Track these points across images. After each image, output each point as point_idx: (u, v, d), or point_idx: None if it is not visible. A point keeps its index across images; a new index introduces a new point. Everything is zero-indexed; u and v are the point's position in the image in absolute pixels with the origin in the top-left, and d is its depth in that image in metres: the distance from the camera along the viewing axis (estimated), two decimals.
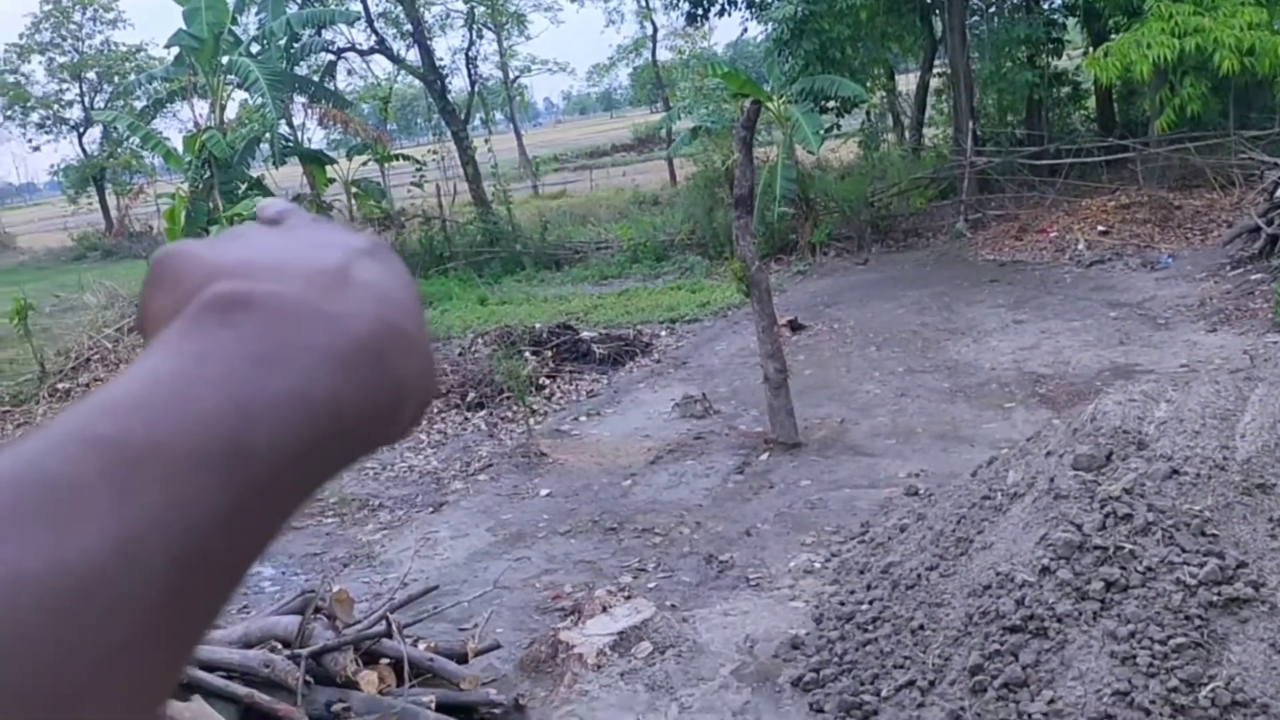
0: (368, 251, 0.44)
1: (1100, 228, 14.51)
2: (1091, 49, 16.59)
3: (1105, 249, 13.69)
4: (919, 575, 4.98)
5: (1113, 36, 15.00)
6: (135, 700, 0.31)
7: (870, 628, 4.89)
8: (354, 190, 20.79)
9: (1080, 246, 13.93)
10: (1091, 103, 20.50)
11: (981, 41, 19.24)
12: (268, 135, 18.69)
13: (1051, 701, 3.99)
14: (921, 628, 4.66)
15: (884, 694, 4.44)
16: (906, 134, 22.82)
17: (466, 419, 10.02)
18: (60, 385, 13.53)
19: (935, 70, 22.00)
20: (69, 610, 0.30)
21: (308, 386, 0.37)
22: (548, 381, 10.86)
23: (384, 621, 4.58)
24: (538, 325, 12.52)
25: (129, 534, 0.31)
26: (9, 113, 40.54)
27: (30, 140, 41.40)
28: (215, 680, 4.03)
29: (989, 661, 4.24)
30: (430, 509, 7.99)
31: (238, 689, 4.04)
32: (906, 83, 25.44)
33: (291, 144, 20.17)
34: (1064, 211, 15.58)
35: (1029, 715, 3.99)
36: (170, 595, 0.32)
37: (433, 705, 4.27)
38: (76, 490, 0.32)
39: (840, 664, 4.76)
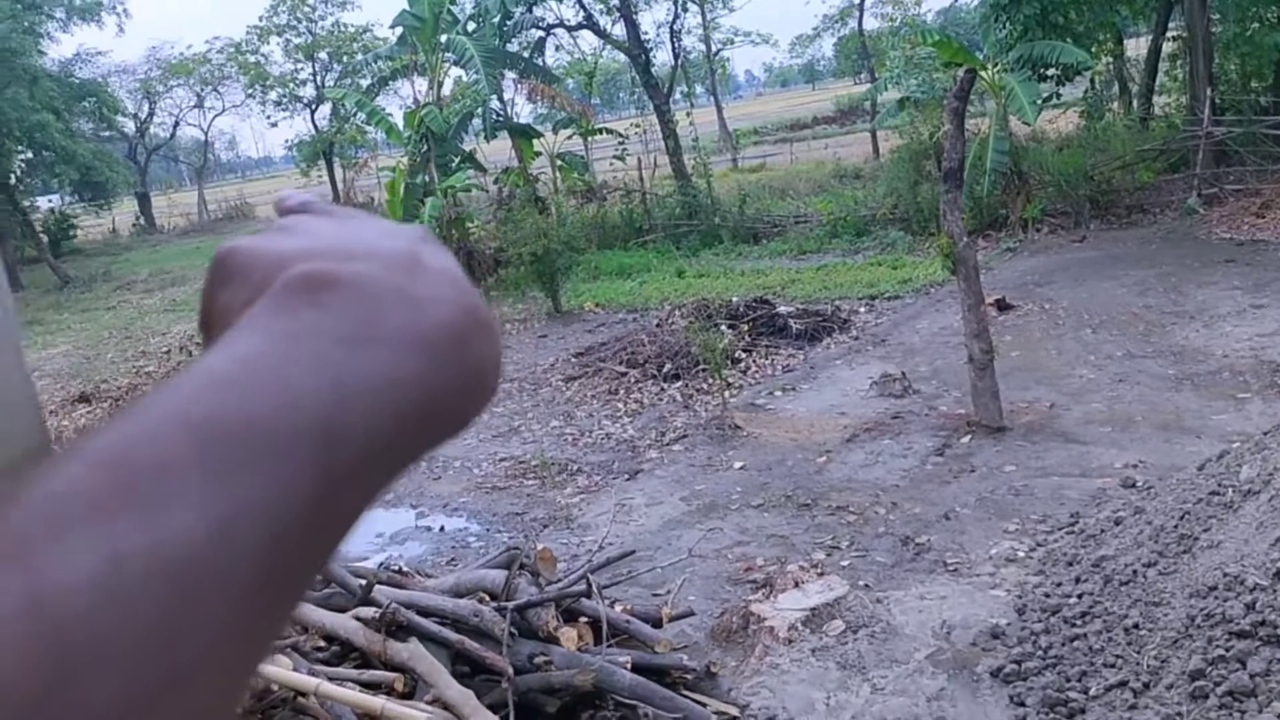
0: (426, 238, 0.43)
1: None
2: None
3: None
4: (1135, 571, 4.71)
5: None
6: (228, 679, 0.31)
7: (1079, 623, 4.67)
8: (559, 163, 21.37)
9: None
10: None
11: (1223, 1, 17.67)
12: (480, 110, 19.46)
13: None
14: (1136, 626, 4.41)
15: (1092, 693, 4.24)
16: (1134, 103, 21.31)
17: (662, 389, 10.17)
18: None
19: (1169, 33, 20.40)
20: (169, 591, 0.30)
21: (396, 370, 0.36)
22: (743, 355, 10.87)
23: (584, 581, 4.75)
24: (734, 299, 12.53)
25: (225, 515, 0.31)
26: (250, 91, 43.94)
27: (269, 117, 44.75)
28: (430, 625, 4.30)
29: (1212, 667, 3.97)
30: (626, 476, 8.18)
31: (450, 635, 4.28)
32: (1136, 47, 23.73)
33: (501, 119, 20.92)
34: None
35: None
36: (263, 577, 0.32)
37: (628, 666, 4.39)
38: (173, 472, 0.31)
39: (1044, 658, 4.57)
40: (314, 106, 41.79)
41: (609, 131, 22.70)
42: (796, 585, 5.55)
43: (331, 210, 0.46)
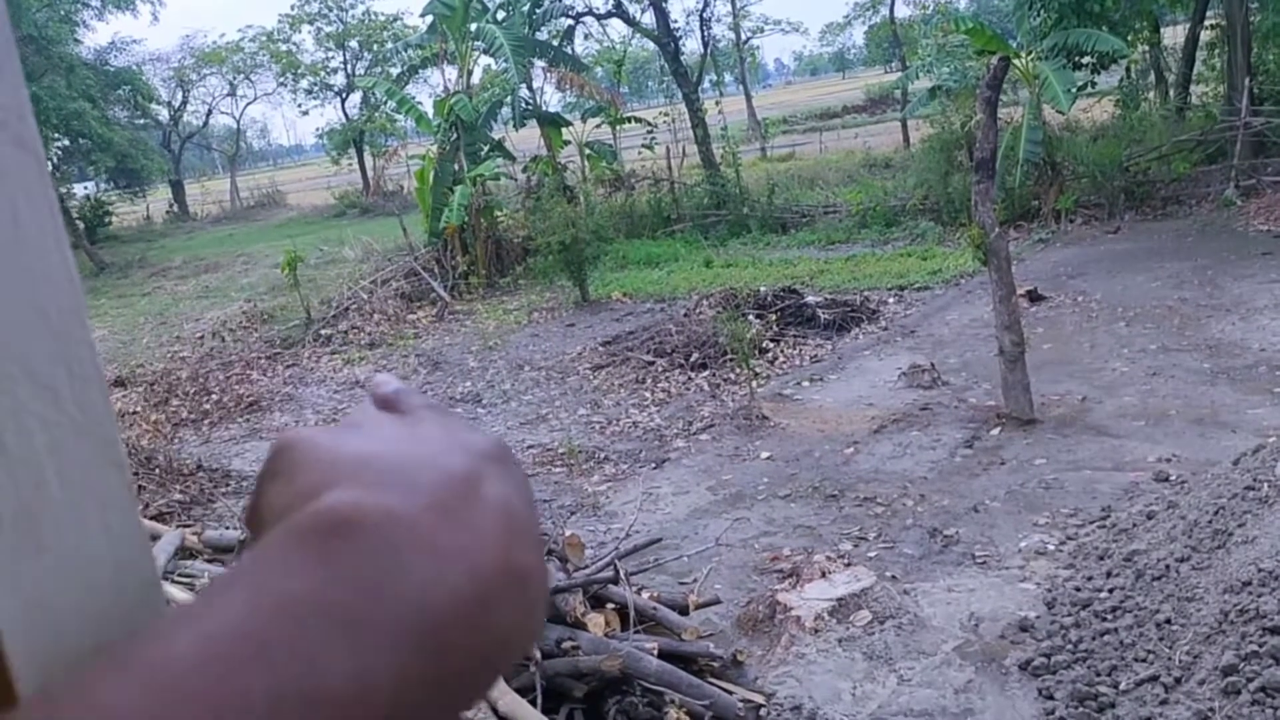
0: (496, 457, 0.38)
1: None
2: None
3: None
4: (1168, 566, 4.67)
5: None
6: None
7: (1109, 617, 4.63)
8: (587, 152, 21.37)
9: None
10: None
11: None
12: (509, 99, 19.48)
13: None
14: (1168, 621, 4.37)
15: (1122, 687, 4.21)
16: (1170, 92, 20.99)
17: (690, 379, 10.17)
18: (323, 331, 14.76)
19: (1207, 22, 20.06)
20: None
21: (370, 669, 0.30)
22: (771, 345, 10.85)
23: (611, 568, 4.76)
24: (762, 288, 12.50)
25: None
26: (282, 79, 44.23)
27: (300, 105, 45.22)
28: None
29: (1245, 663, 3.93)
30: (653, 465, 8.20)
31: None
32: (1173, 36, 23.36)
33: (530, 107, 20.93)
34: None
35: None
36: None
37: (655, 652, 4.41)
38: None
39: (1074, 652, 4.54)
40: (344, 95, 42.02)
41: (637, 120, 22.65)
42: (823, 575, 5.54)
43: (413, 406, 0.41)
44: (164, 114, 44.70)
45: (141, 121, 41.72)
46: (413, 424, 0.40)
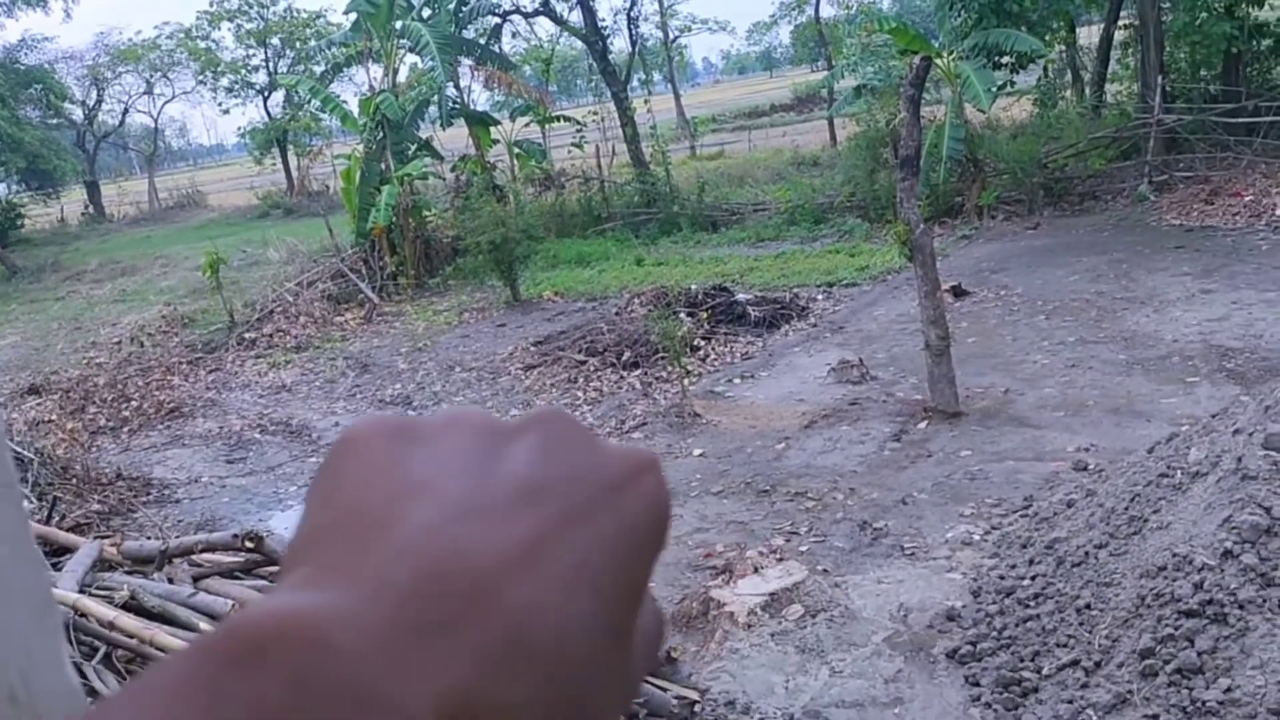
0: (604, 506, 0.29)
1: None
2: None
3: None
4: (1087, 553, 4.79)
5: None
6: None
7: (1032, 604, 4.74)
8: (516, 151, 21.25)
9: (1279, 211, 12.92)
10: None
11: None
12: (436, 97, 19.28)
13: (1228, 690, 3.79)
14: (1088, 607, 4.49)
15: (1045, 672, 4.32)
16: (1086, 91, 21.58)
17: (622, 378, 10.17)
18: (247, 335, 14.46)
19: (1121, 22, 20.67)
20: None
21: None
22: (702, 343, 10.90)
23: None
24: (693, 287, 12.55)
25: None
26: (201, 77, 43.20)
27: (220, 103, 44.06)
28: None
29: (1161, 646, 4.05)
30: None
31: None
32: (1089, 35, 24.02)
33: (458, 106, 20.74)
34: (1261, 174, 14.47)
35: (1203, 703, 3.80)
36: None
37: None
38: None
39: (999, 639, 4.64)
40: (267, 93, 41.17)
41: (567, 119, 22.59)
42: (756, 571, 5.59)
43: (520, 437, 0.32)
44: (78, 113, 43.41)
45: (54, 121, 40.48)
46: (504, 458, 0.30)
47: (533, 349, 11.74)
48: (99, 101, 44.42)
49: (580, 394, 9.99)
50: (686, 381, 9.36)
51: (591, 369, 10.49)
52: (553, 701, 0.26)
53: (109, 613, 4.03)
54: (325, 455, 0.32)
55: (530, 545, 0.27)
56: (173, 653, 0.28)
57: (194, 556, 4.98)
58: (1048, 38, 19.42)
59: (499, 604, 0.26)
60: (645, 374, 10.13)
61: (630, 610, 0.29)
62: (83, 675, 3.85)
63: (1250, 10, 17.20)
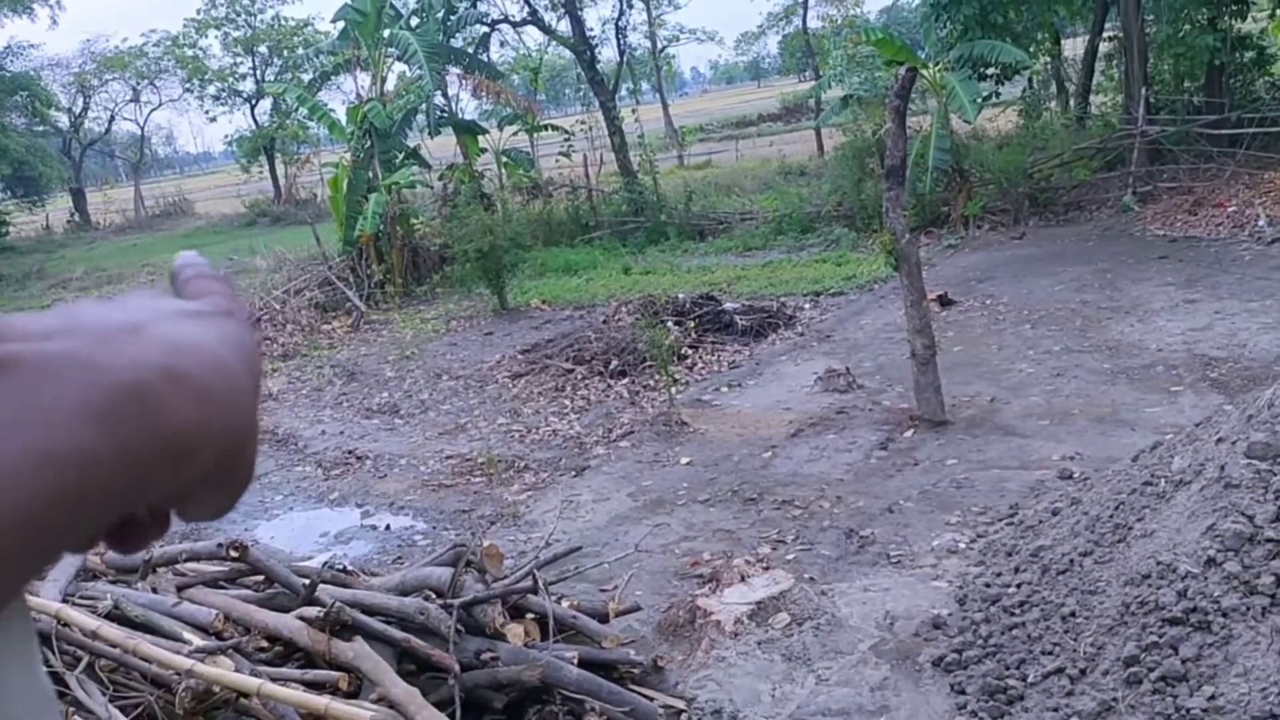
0: (193, 314, 0.44)
1: None
2: (1279, 11, 15.42)
3: None
4: (1072, 561, 4.82)
5: None
6: None
7: (1017, 611, 4.76)
8: (504, 160, 21.26)
9: (1261, 222, 13.02)
10: (1278, 69, 19.06)
11: (1157, 3, 18.08)
12: (424, 106, 19.28)
13: (1212, 698, 3.81)
14: (1073, 615, 4.51)
15: (1030, 680, 4.33)
16: (1071, 102, 21.75)
17: (609, 386, 10.17)
18: None
19: (1105, 34, 20.84)
20: None
21: (48, 443, 0.36)
22: (690, 351, 10.92)
23: (530, 578, 4.73)
24: (681, 295, 12.58)
25: None
26: (188, 85, 43.10)
27: (207, 111, 44.17)
28: (375, 624, 4.26)
29: (1146, 653, 4.07)
30: (573, 472, 8.18)
31: (395, 633, 4.25)
32: (1073, 47, 24.21)
33: (446, 114, 20.74)
34: (1244, 184, 14.59)
35: (1187, 710, 3.82)
36: None
37: (575, 661, 4.39)
38: None
39: (984, 646, 4.65)
40: (254, 101, 41.12)
41: (554, 128, 22.62)
42: (742, 579, 5.59)
43: (138, 295, 0.47)
44: (64, 120, 43.25)
45: (40, 128, 40.34)
46: (127, 298, 0.46)
47: (520, 357, 11.73)
48: (85, 109, 44.27)
49: (568, 402, 9.99)
50: (674, 390, 9.37)
51: (579, 377, 10.48)
52: (213, 381, 0.41)
53: (92, 622, 4.00)
54: None
55: (149, 317, 0.42)
56: None
57: (178, 566, 4.96)
58: (1033, 49, 19.58)
59: (145, 333, 0.41)
60: (633, 382, 10.13)
61: (247, 367, 0.45)
62: (65, 685, 3.82)
63: (1233, 23, 17.37)
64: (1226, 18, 17.15)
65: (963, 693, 4.44)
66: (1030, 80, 21.71)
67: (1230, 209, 13.85)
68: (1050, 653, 4.42)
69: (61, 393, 0.37)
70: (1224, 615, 4.00)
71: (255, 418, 0.45)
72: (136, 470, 0.38)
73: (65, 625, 3.98)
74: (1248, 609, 3.98)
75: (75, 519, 0.37)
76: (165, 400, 0.39)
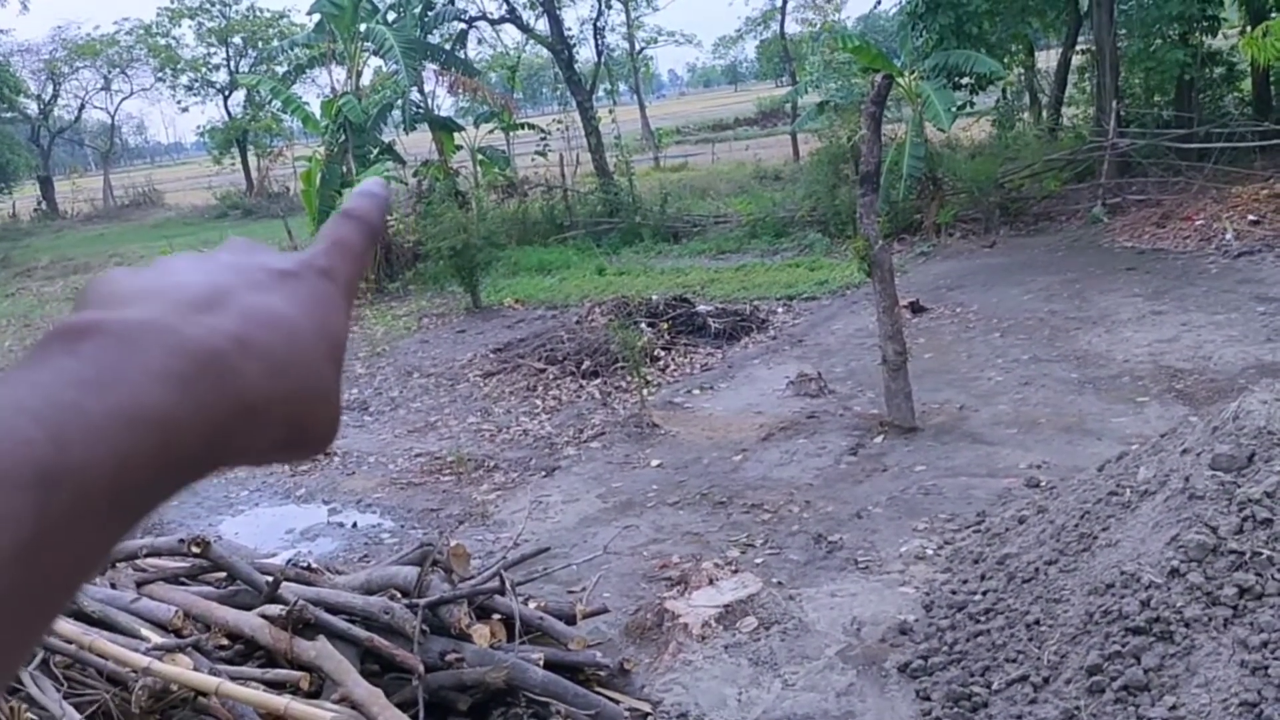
0: (281, 275, 0.45)
1: (1251, 217, 13.71)
2: (1249, 28, 15.62)
3: (1256, 239, 12.93)
4: (1037, 569, 4.85)
5: (1273, 15, 14.09)
6: None
7: (983, 619, 4.78)
8: (479, 158, 21.17)
9: (1228, 236, 13.20)
10: (1247, 85, 19.34)
11: (1130, 18, 18.32)
12: (400, 102, 19.16)
13: (1174, 708, 3.84)
14: (1037, 623, 4.54)
15: (994, 687, 4.35)
16: (1043, 113, 21.96)
17: (581, 387, 10.14)
18: None
19: (1078, 47, 21.08)
20: None
21: (133, 405, 0.37)
22: (662, 353, 10.91)
23: (497, 578, 4.70)
24: (654, 297, 12.57)
25: None
26: (160, 75, 42.60)
27: (179, 102, 43.57)
28: (338, 623, 4.21)
29: (1108, 662, 4.10)
30: (543, 473, 8.14)
31: (359, 633, 4.20)
32: (1046, 60, 24.45)
33: (422, 111, 20.63)
34: (1212, 199, 14.77)
35: None
36: None
37: (541, 662, 4.36)
38: None
39: (950, 653, 4.67)
40: (227, 92, 40.73)
41: (531, 127, 22.57)
42: (711, 582, 5.58)
43: (234, 247, 0.49)
44: (33, 107, 42.61)
45: (8, 115, 39.72)
46: (213, 257, 0.47)
47: (492, 356, 11.68)
48: (55, 96, 43.64)
49: (539, 402, 9.95)
50: (646, 392, 9.36)
51: (551, 377, 10.45)
52: (290, 352, 0.43)
53: None
54: (80, 293, 0.44)
55: (242, 280, 0.44)
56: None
57: (138, 561, 4.88)
58: (1007, 60, 19.77)
59: (224, 302, 0.42)
60: (604, 383, 10.11)
61: (327, 334, 0.45)
62: (18, 681, 3.74)
63: (1203, 39, 17.61)
64: (1197, 34, 17.39)
65: (928, 699, 4.45)
66: (1004, 91, 21.94)
67: (1198, 222, 14.03)
68: (1014, 660, 4.44)
69: (143, 359, 0.39)
70: (1186, 625, 4.04)
71: (329, 383, 0.45)
72: (214, 433, 0.40)
73: None
74: (1210, 619, 4.02)
75: (158, 478, 0.38)
76: (239, 368, 0.40)
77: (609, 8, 30.95)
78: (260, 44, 38.58)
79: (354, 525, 7.61)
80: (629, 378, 9.67)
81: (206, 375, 0.39)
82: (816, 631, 5.20)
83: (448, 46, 21.40)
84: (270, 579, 4.41)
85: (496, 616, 4.66)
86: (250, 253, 0.47)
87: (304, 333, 0.44)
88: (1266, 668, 3.78)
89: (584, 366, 10.45)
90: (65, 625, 3.90)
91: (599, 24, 29.88)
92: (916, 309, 11.48)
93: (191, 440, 0.39)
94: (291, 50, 20.99)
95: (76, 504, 0.36)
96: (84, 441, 0.36)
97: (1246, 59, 15.72)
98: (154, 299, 0.42)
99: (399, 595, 4.50)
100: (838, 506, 6.79)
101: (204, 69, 41.42)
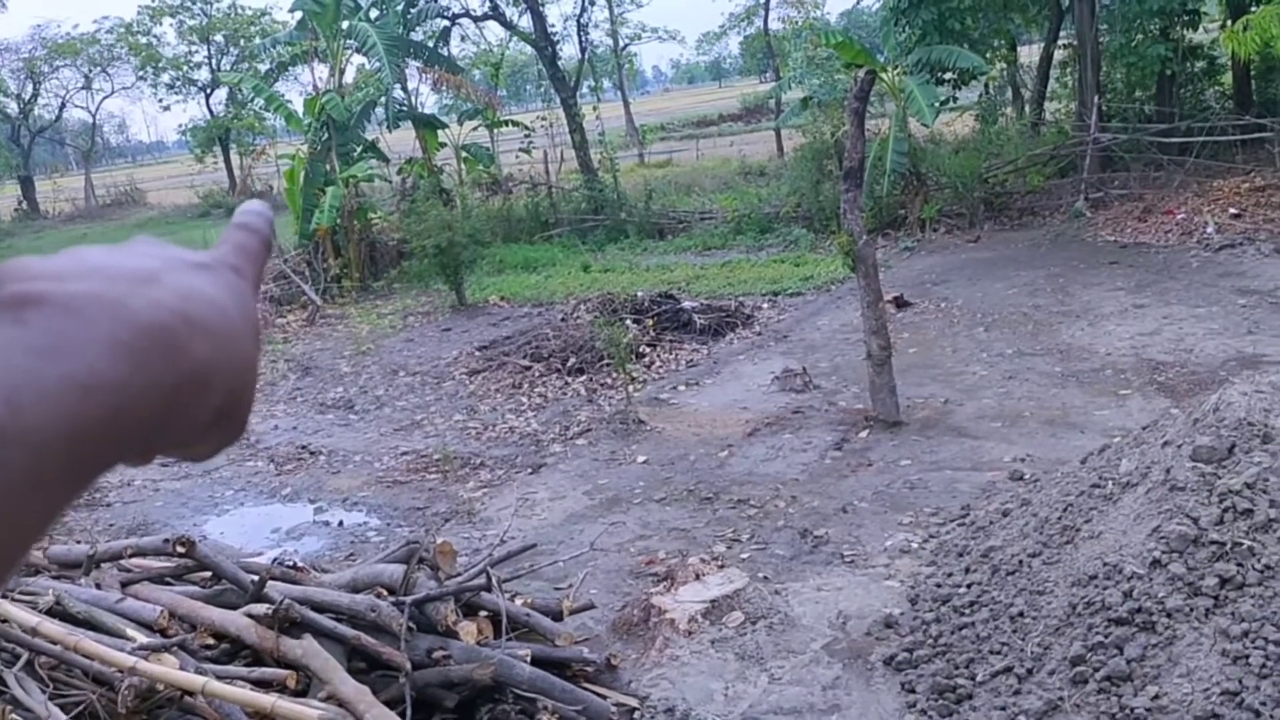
0: (199, 265, 0.48)
1: (1232, 210, 13.82)
2: (1230, 22, 15.72)
3: (1236, 233, 13.04)
4: (1021, 561, 4.88)
5: (1253, 9, 14.18)
6: None
7: (967, 611, 4.81)
8: (464, 155, 21.12)
9: (1209, 229, 13.30)
10: (1228, 79, 19.46)
11: (1111, 13, 18.39)
12: (383, 99, 19.09)
13: (1156, 697, 3.87)
14: (1021, 615, 4.57)
15: (979, 679, 4.38)
16: (1026, 108, 22.04)
17: (567, 384, 10.14)
18: None
19: (1060, 42, 21.15)
20: None
21: (85, 373, 0.39)
22: (648, 350, 10.92)
23: (484, 575, 4.70)
24: (640, 294, 12.57)
25: None
26: (141, 73, 42.31)
27: (161, 100, 43.25)
28: (325, 621, 4.20)
29: (1091, 653, 4.13)
30: (529, 470, 8.14)
31: (345, 631, 4.20)
32: (1029, 54, 24.54)
33: (405, 108, 20.56)
34: (1193, 193, 14.88)
35: (1131, 710, 3.88)
36: None
37: (528, 659, 4.37)
38: None
39: (935, 646, 4.70)
40: (209, 91, 40.50)
41: (515, 124, 22.53)
42: (697, 578, 5.60)
43: (143, 241, 0.50)
44: (12, 106, 42.26)
45: None
46: (128, 246, 0.49)
47: (478, 354, 11.66)
48: (35, 95, 43.27)
49: (525, 399, 9.95)
50: (631, 388, 9.36)
51: (536, 374, 10.44)
52: (225, 329, 0.45)
53: (32, 618, 3.91)
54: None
55: (163, 268, 0.46)
56: None
57: (123, 561, 4.86)
58: (989, 55, 19.83)
59: (163, 281, 0.44)
60: (590, 380, 10.11)
61: (248, 321, 0.48)
62: (3, 683, 3.73)
63: (1184, 33, 17.71)
64: (1178, 28, 17.49)
65: (913, 691, 4.48)
66: (987, 86, 21.99)
67: (1179, 216, 14.12)
68: (999, 652, 4.47)
69: (93, 329, 0.40)
70: (1168, 616, 4.08)
71: (255, 362, 0.48)
72: (162, 401, 0.42)
73: (4, 621, 3.89)
74: (1191, 610, 4.06)
75: (110, 443, 0.40)
76: (183, 340, 0.43)
77: (592, 4, 30.94)
78: (242, 42, 38.39)
79: (340, 524, 7.59)
80: (615, 374, 9.68)
81: (157, 347, 0.41)
82: (802, 626, 5.22)
83: (431, 43, 21.32)
84: (256, 578, 4.40)
85: (483, 613, 4.66)
86: (162, 247, 0.49)
87: (233, 312, 0.46)
88: (1247, 657, 3.82)
89: (570, 364, 10.45)
90: (50, 626, 3.88)
91: (583, 20, 29.87)
92: (901, 304, 11.52)
93: (142, 408, 0.41)
94: (274, 48, 20.87)
95: (31, 465, 0.37)
96: (38, 405, 0.38)
97: (1227, 53, 15.84)
98: (92, 275, 0.43)
99: (385, 593, 4.50)
100: (823, 501, 6.81)
101: (185, 67, 41.17)
